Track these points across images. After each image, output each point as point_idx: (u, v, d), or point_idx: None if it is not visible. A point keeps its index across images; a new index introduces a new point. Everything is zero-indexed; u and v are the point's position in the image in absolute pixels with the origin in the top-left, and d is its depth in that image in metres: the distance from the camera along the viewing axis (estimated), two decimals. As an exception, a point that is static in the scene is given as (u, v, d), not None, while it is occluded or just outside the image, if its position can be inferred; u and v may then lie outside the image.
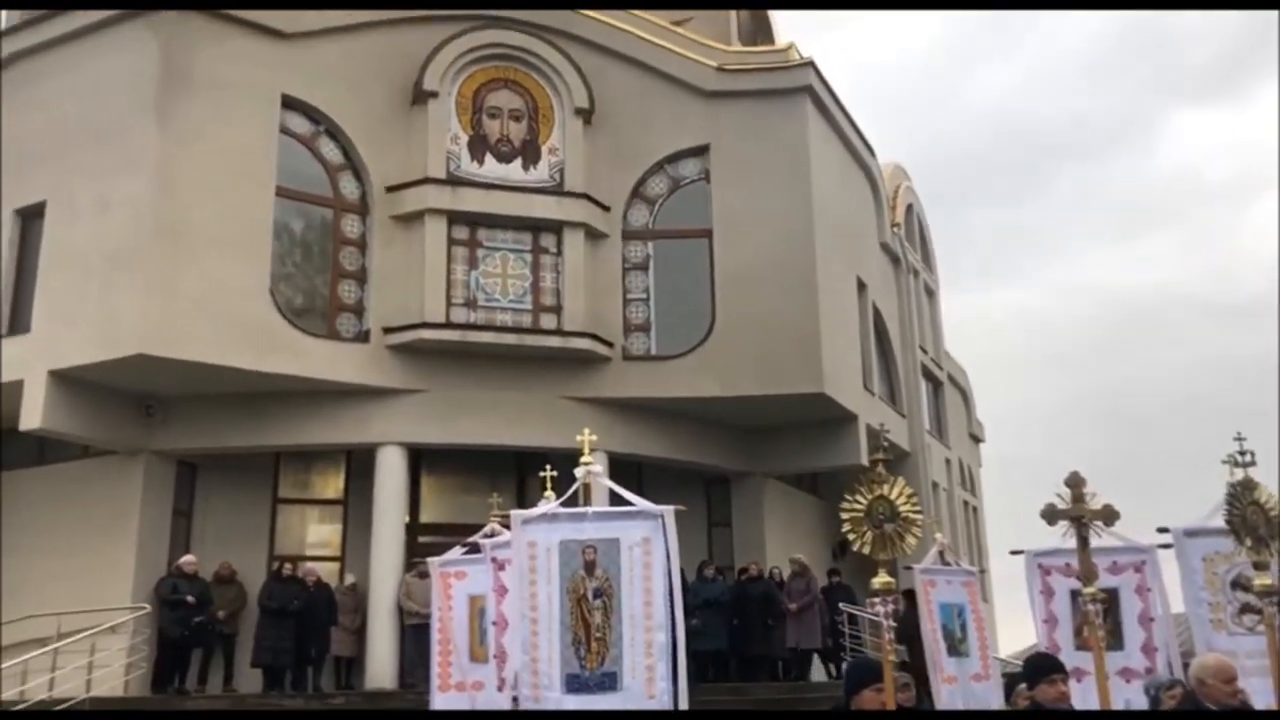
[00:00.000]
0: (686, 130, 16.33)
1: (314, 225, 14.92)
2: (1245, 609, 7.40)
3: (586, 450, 7.12)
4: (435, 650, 9.34)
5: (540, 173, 15.70)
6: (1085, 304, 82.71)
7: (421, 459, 15.63)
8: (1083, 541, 5.77)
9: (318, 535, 15.81)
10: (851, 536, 5.29)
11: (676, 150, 16.35)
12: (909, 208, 23.11)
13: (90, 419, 13.76)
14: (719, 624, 14.32)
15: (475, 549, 8.96)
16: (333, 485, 16.01)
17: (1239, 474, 6.27)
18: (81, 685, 11.91)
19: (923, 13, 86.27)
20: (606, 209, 15.90)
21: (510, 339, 15.05)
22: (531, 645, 6.41)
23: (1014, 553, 8.72)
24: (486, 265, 15.30)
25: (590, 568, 6.52)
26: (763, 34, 21.00)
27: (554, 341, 15.20)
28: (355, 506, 15.31)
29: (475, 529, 9.51)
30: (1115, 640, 7.89)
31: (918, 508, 5.34)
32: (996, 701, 8.95)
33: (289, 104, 14.61)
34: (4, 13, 16.42)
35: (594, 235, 15.74)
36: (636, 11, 16.85)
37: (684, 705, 6.39)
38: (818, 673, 15.55)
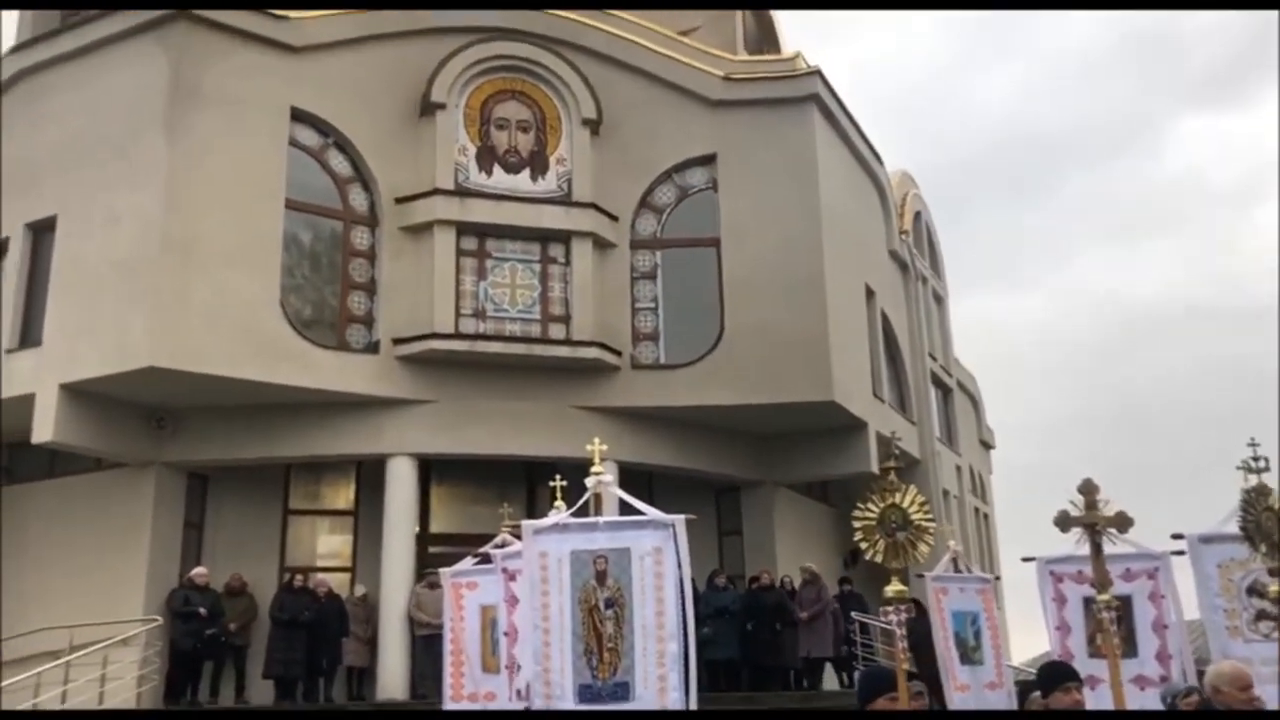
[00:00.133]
0: (694, 139, 16.36)
1: (323, 237, 14.97)
2: (1261, 615, 7.36)
3: (597, 460, 7.12)
4: (447, 661, 9.34)
5: (548, 183, 15.74)
6: (1092, 308, 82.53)
7: (431, 469, 15.64)
8: (1096, 548, 5.76)
9: (328, 546, 15.82)
10: (864, 545, 5.29)
11: (684, 159, 16.37)
12: (917, 215, 23.10)
13: (101, 432, 13.81)
14: (730, 633, 14.29)
15: (486, 559, 8.97)
16: (343, 496, 16.04)
17: (1253, 479, 6.24)
18: (94, 698, 11.95)
19: (926, 17, 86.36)
20: (614, 219, 15.92)
21: (519, 349, 15.07)
22: (543, 656, 6.41)
23: (1026, 560, 8.69)
24: (495, 275, 15.33)
25: (602, 578, 6.51)
26: (769, 43, 21.04)
27: (563, 351, 15.21)
28: (366, 517, 15.33)
29: (485, 539, 9.53)
30: (1129, 648, 7.86)
31: (930, 516, 5.34)
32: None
33: (298, 117, 14.68)
34: (13, 27, 16.56)
35: (602, 245, 15.77)
36: (643, 22, 16.90)
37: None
38: (830, 682, 15.48)
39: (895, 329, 19.97)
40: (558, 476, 8.42)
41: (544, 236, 15.55)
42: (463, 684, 9.16)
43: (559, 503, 7.99)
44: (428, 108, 15.35)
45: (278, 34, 14.56)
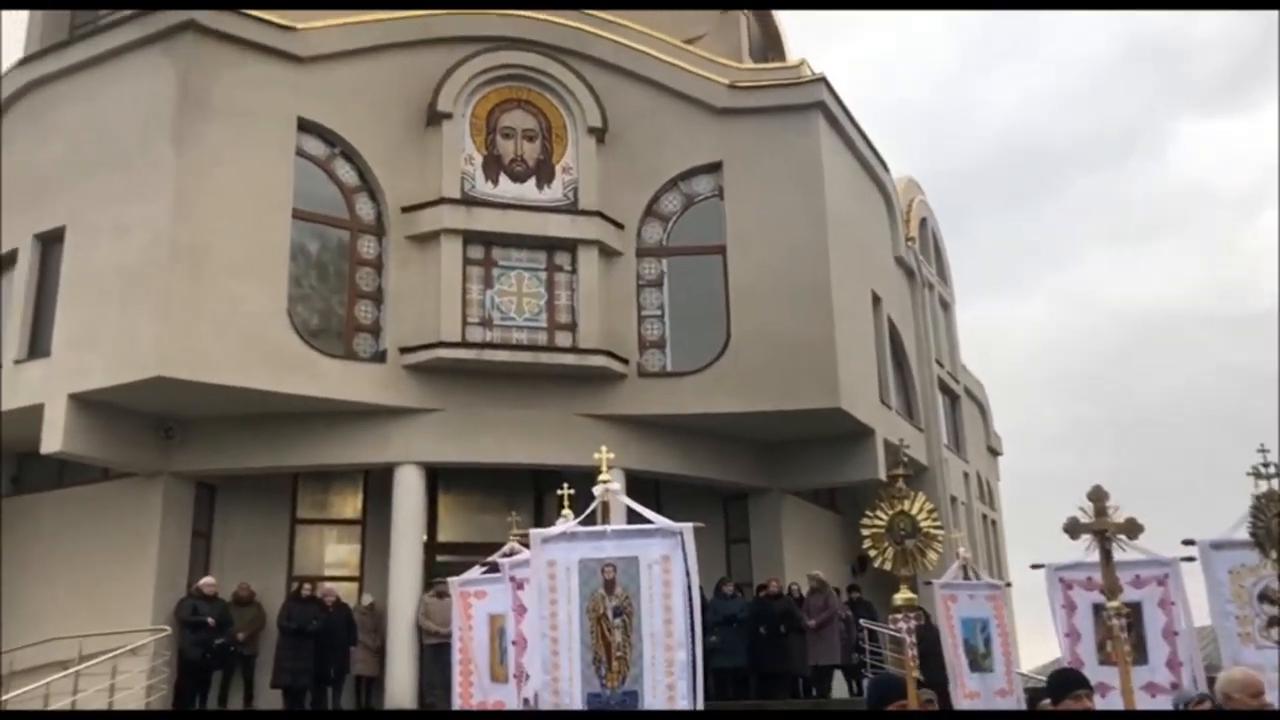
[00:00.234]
0: (699, 147, 16.38)
1: (330, 246, 15.01)
2: (1272, 622, 7.33)
3: (604, 468, 7.12)
4: (456, 670, 9.33)
5: (554, 192, 15.77)
6: (1100, 314, 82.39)
7: (439, 478, 15.66)
8: (1106, 555, 5.74)
9: (336, 555, 15.84)
10: (873, 553, 5.29)
11: (690, 167, 16.39)
12: (923, 221, 23.08)
13: (110, 441, 13.85)
14: (738, 641, 14.26)
15: (494, 568, 8.96)
16: (351, 505, 16.05)
17: (1263, 485, 6.23)
18: (103, 708, 11.97)
19: (929, 20, 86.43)
20: (620, 226, 15.94)
21: (526, 357, 15.09)
22: (552, 665, 6.40)
23: (1035, 566, 8.68)
24: (502, 284, 15.35)
25: (610, 586, 6.50)
26: (774, 50, 21.09)
27: (569, 359, 15.23)
28: (373, 526, 15.34)
29: (493, 548, 9.52)
30: (1139, 655, 7.84)
31: (938, 523, 5.33)
32: (1020, 717, 8.89)
33: (305, 127, 14.73)
34: (22, 39, 16.66)
35: (608, 253, 15.78)
36: (648, 30, 16.93)
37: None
38: (839, 690, 15.44)
39: (902, 335, 19.95)
40: (565, 485, 8.41)
41: (550, 245, 15.57)
42: (471, 693, 9.15)
43: (566, 511, 7.98)
44: (434, 117, 15.40)
45: (285, 45, 14.62)
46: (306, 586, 14.04)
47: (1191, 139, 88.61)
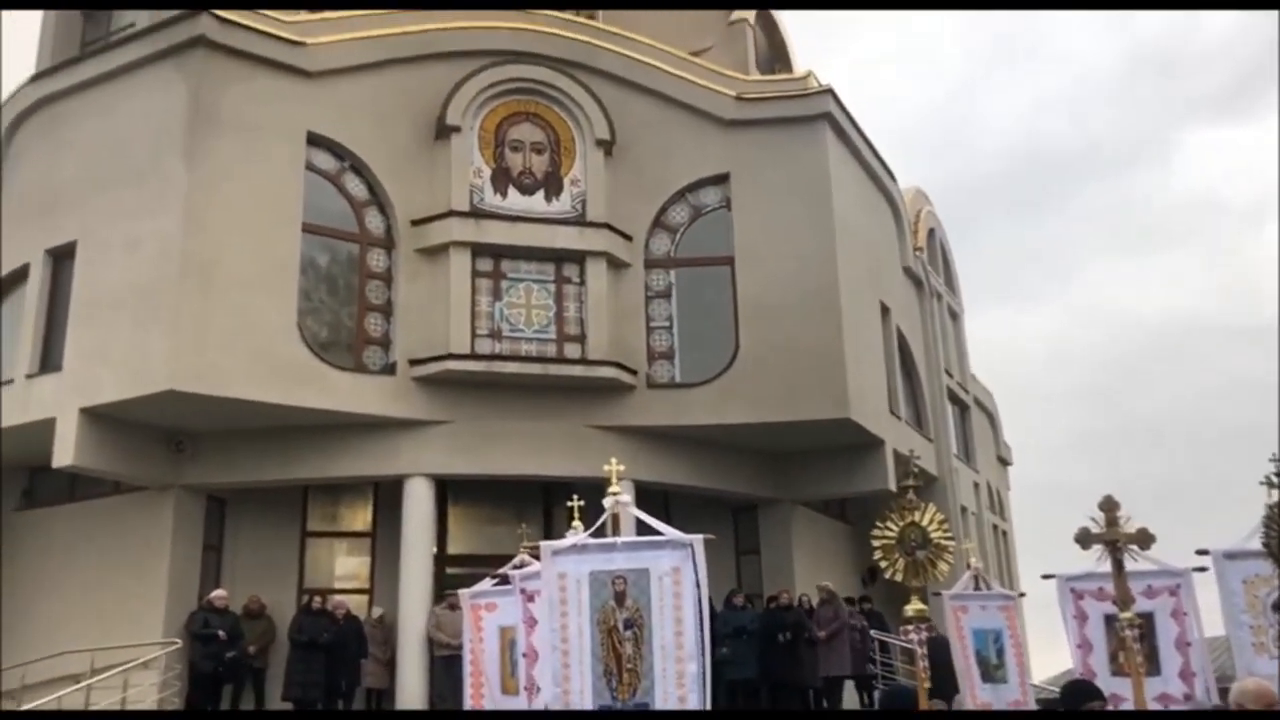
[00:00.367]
0: (707, 159, 16.41)
1: (340, 260, 15.07)
2: (1285, 632, 7.29)
3: (614, 480, 7.13)
4: (467, 682, 9.34)
5: (562, 204, 15.81)
6: (1109, 324, 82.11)
7: (448, 490, 15.66)
8: (1118, 566, 5.73)
9: (346, 568, 15.85)
10: (884, 564, 5.28)
11: (697, 179, 16.42)
12: (931, 231, 23.09)
13: (121, 455, 13.90)
14: (748, 652, 14.22)
15: (505, 580, 8.97)
16: (360, 518, 16.07)
17: (1275, 495, 6.21)
18: (115, 721, 11.98)
19: (934, 23, 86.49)
20: (629, 238, 15.98)
21: (535, 369, 15.11)
22: (563, 677, 6.40)
23: (1046, 577, 8.65)
24: (510, 296, 15.39)
25: (620, 598, 6.51)
26: (780, 62, 21.13)
27: (578, 370, 15.24)
28: (383, 539, 15.35)
29: (503, 560, 9.53)
30: (1152, 666, 7.80)
31: (949, 534, 5.32)
32: (1033, 729, 8.85)
33: (314, 141, 14.80)
34: (34, 55, 16.79)
35: (616, 264, 15.81)
36: (655, 43, 17.00)
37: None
38: (850, 701, 15.37)
39: (911, 346, 19.92)
40: (575, 497, 8.42)
41: (559, 257, 15.61)
42: (483, 705, 9.15)
43: (576, 523, 7.98)
44: (443, 131, 15.46)
45: (294, 60, 14.71)
46: (317, 599, 14.04)
47: (1198, 149, 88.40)
